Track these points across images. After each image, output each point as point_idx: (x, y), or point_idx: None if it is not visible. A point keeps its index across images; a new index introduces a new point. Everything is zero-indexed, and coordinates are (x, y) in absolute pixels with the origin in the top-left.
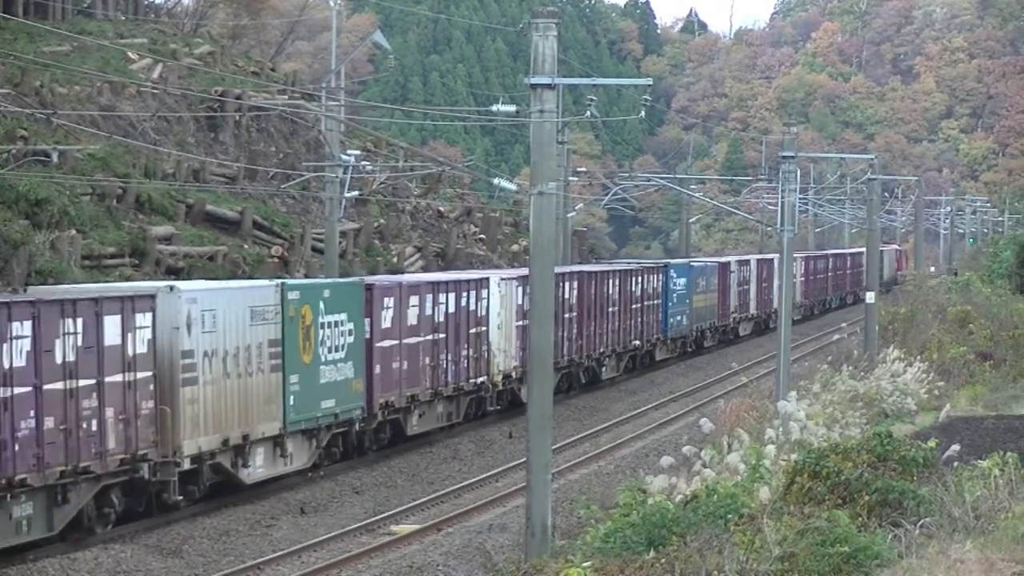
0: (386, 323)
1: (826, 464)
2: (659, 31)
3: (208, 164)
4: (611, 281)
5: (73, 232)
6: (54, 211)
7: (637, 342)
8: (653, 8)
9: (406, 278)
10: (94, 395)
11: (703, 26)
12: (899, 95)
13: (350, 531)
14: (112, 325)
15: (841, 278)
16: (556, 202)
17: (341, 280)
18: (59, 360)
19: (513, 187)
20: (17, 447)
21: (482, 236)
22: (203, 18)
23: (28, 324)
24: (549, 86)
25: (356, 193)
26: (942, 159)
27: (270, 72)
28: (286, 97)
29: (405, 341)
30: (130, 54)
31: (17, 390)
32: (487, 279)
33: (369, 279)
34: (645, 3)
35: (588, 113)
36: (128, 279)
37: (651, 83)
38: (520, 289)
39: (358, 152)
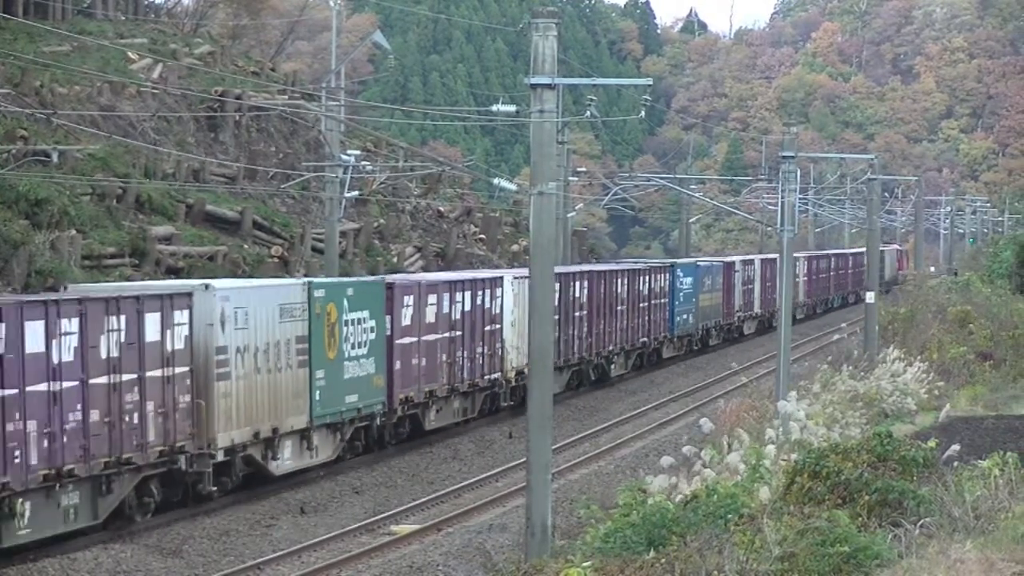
0: (406, 321)
1: (826, 464)
2: (659, 31)
3: (208, 164)
4: (620, 280)
5: (73, 232)
6: (54, 211)
7: (645, 340)
8: (653, 8)
9: (425, 277)
10: (136, 389)
11: (703, 26)
12: (899, 95)
13: (350, 531)
14: (152, 322)
15: (843, 278)
16: (556, 202)
17: (364, 279)
18: (104, 355)
19: (513, 187)
20: (65, 439)
21: (482, 236)
22: (203, 18)
23: (76, 321)
24: (549, 86)
25: (356, 193)
26: (942, 159)
27: (270, 72)
28: (286, 97)
29: (424, 338)
30: (130, 54)
31: (65, 384)
32: (501, 278)
33: (390, 278)
34: (645, 3)
35: (588, 113)
36: (128, 279)
37: (651, 83)
38: None
39: (358, 152)
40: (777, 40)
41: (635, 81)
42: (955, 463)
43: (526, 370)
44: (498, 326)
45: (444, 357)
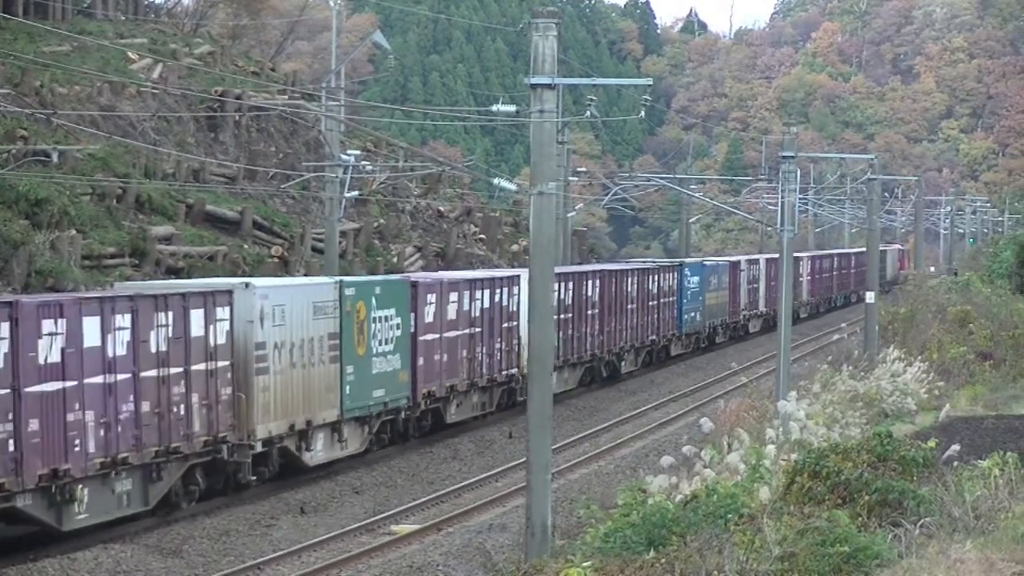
0: (429, 318)
1: (826, 464)
2: (659, 31)
3: (208, 164)
4: (630, 279)
5: (73, 232)
6: (54, 211)
7: (654, 338)
8: (653, 8)
9: (446, 275)
10: (182, 382)
11: (703, 26)
12: (899, 95)
13: (350, 531)
14: (197, 318)
15: (846, 277)
16: (556, 202)
17: (390, 277)
18: (153, 350)
19: (513, 187)
20: (119, 428)
21: (482, 236)
22: (203, 18)
23: (128, 317)
24: (549, 86)
25: (356, 193)
26: (942, 159)
27: (270, 72)
28: (286, 97)
29: (445, 335)
30: (130, 54)
31: (119, 376)
32: (518, 276)
33: (414, 276)
34: (645, 3)
35: (588, 113)
36: (128, 279)
37: (651, 83)
38: None
39: (358, 152)
40: (777, 40)
41: (635, 81)
42: (955, 463)
43: None
44: (515, 323)
45: (464, 353)
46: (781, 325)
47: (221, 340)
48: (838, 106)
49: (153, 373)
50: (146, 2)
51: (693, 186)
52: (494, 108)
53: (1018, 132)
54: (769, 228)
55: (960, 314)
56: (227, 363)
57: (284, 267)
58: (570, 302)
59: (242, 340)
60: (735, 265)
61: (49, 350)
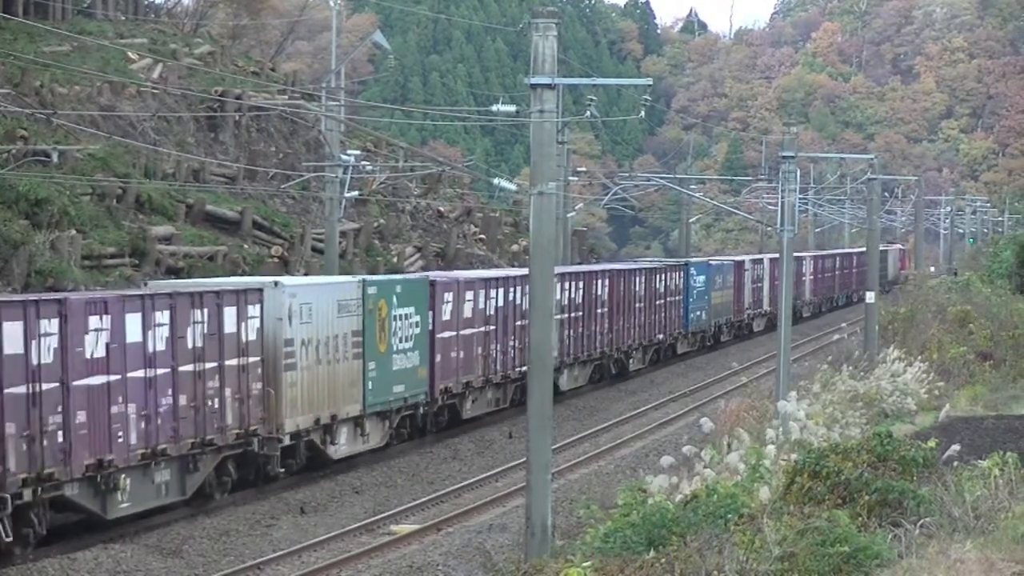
0: (446, 316)
1: (826, 464)
2: (659, 31)
3: (208, 164)
4: (638, 279)
5: (73, 232)
6: (54, 211)
7: (661, 336)
8: (653, 8)
9: (463, 274)
10: (216, 377)
11: (703, 26)
12: (899, 95)
13: (350, 531)
14: (230, 315)
15: (848, 277)
16: (556, 202)
17: (410, 276)
18: (190, 345)
19: (513, 187)
20: (159, 421)
21: (482, 236)
22: (203, 18)
23: (167, 314)
24: (549, 86)
25: (356, 193)
26: (942, 159)
27: (270, 72)
28: (286, 97)
29: (462, 332)
30: (130, 54)
31: (159, 371)
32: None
33: (432, 275)
34: (645, 3)
35: (588, 113)
36: (128, 279)
37: (651, 83)
38: (558, 285)
39: (358, 152)
40: (777, 40)
41: (635, 81)
42: (955, 463)
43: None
44: (528, 321)
45: (480, 350)
46: (781, 325)
47: (252, 337)
48: (838, 106)
49: (190, 368)
50: (146, 2)
51: (693, 186)
52: (494, 108)
53: (1018, 132)
54: (769, 228)
55: (960, 314)
56: (257, 359)
57: (284, 267)
58: (580, 301)
59: (271, 337)
60: (740, 265)
61: (95, 345)
